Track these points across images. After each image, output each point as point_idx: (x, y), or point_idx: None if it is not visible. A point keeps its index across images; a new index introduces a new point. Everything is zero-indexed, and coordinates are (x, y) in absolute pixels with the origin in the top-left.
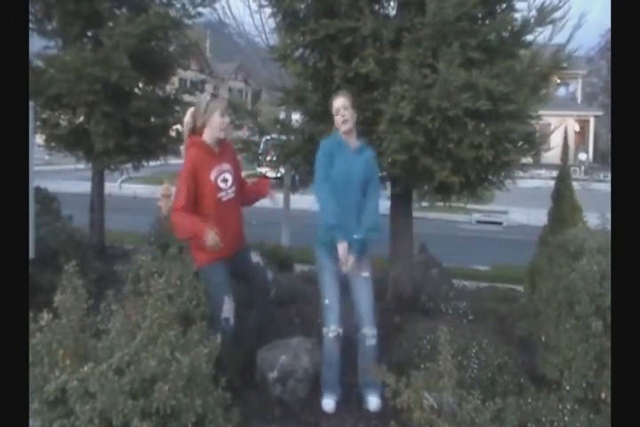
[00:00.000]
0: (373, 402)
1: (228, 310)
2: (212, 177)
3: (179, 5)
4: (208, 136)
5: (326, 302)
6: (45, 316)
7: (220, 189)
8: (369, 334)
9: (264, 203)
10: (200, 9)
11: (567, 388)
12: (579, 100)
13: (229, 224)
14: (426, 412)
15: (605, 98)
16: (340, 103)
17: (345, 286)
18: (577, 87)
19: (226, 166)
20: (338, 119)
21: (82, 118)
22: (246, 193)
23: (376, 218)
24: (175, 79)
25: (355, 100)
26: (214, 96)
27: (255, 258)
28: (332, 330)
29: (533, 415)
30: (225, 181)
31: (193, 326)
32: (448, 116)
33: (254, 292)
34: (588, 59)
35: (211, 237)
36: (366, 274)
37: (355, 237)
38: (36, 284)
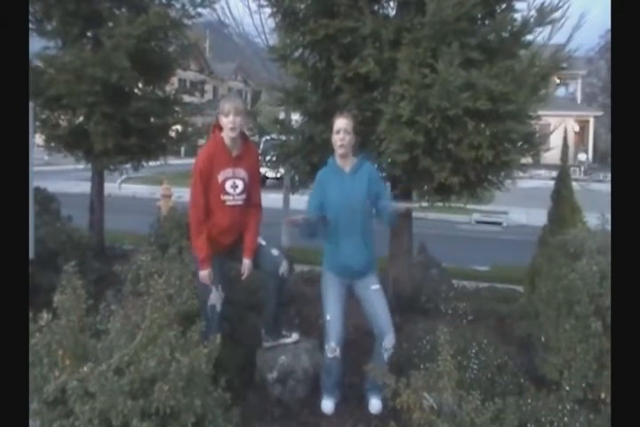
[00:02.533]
0: (376, 405)
1: (215, 298)
2: (220, 179)
3: (178, 6)
4: (225, 135)
5: (327, 317)
6: (45, 316)
7: (226, 193)
8: (389, 346)
9: (264, 203)
10: (200, 9)
11: (567, 388)
12: (578, 101)
13: (229, 231)
14: (425, 412)
15: (605, 98)
16: (343, 125)
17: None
18: (576, 87)
19: (240, 172)
20: (336, 140)
21: (81, 119)
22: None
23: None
24: (175, 79)
25: (354, 100)
26: (232, 95)
27: (260, 240)
28: (331, 348)
29: (533, 416)
30: (234, 186)
31: (192, 327)
32: (448, 116)
33: (268, 282)
34: (588, 59)
35: (204, 275)
36: (377, 286)
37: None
38: (35, 284)
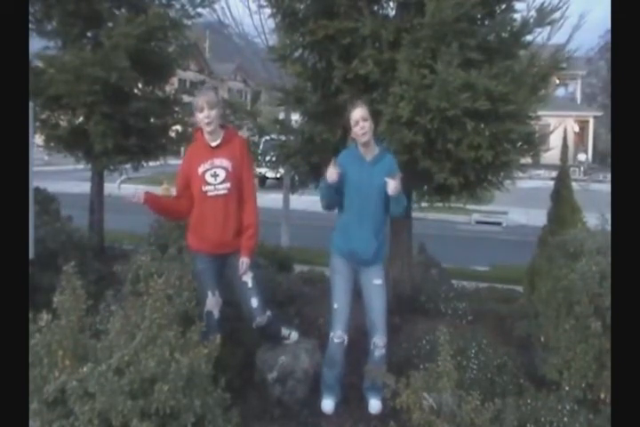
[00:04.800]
0: (376, 405)
1: (211, 304)
2: (200, 170)
3: (178, 6)
4: (204, 131)
5: (335, 306)
6: (45, 316)
7: (206, 183)
8: (380, 343)
9: (263, 203)
10: (199, 9)
11: (566, 388)
12: (578, 101)
13: (213, 223)
14: (425, 412)
15: (605, 98)
16: (360, 114)
17: (357, 292)
18: (576, 88)
19: (220, 162)
20: (357, 130)
21: (81, 119)
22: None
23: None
24: (174, 80)
25: (353, 101)
26: (206, 89)
27: (246, 279)
28: (337, 336)
29: (533, 416)
30: (215, 175)
31: (192, 327)
32: (447, 117)
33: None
34: (588, 59)
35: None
36: (379, 282)
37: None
38: (35, 284)
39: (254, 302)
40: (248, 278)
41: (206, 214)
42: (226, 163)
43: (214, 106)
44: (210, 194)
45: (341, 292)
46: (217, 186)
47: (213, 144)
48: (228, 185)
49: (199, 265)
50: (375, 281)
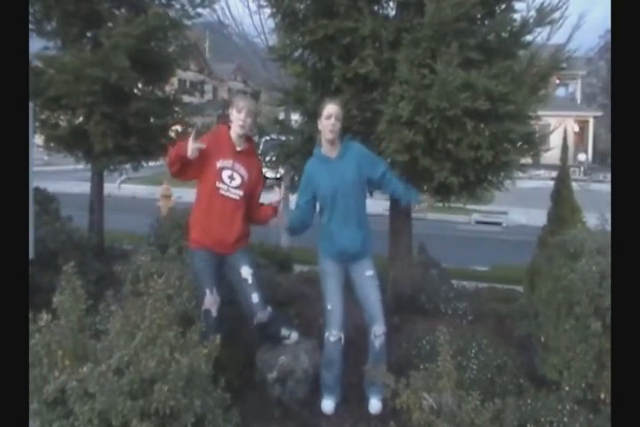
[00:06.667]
0: (376, 405)
1: (209, 302)
2: (218, 165)
3: (178, 6)
4: (232, 130)
5: (328, 307)
6: (44, 316)
7: (221, 180)
8: (379, 332)
9: (264, 202)
10: (199, 9)
11: (566, 388)
12: (578, 101)
13: (219, 219)
14: (425, 413)
15: (605, 98)
16: (335, 111)
17: (348, 288)
18: (576, 88)
19: (240, 169)
20: (326, 125)
21: (81, 119)
22: (257, 215)
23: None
24: (174, 80)
25: (353, 100)
26: (246, 94)
27: (246, 275)
28: (333, 334)
29: (533, 416)
30: (231, 178)
31: (192, 327)
32: (447, 117)
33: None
34: (588, 59)
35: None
36: (371, 273)
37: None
38: (35, 284)
39: (255, 298)
40: (248, 275)
41: (214, 210)
42: (243, 172)
43: (251, 115)
44: (222, 192)
45: (333, 292)
46: (230, 189)
47: (238, 149)
48: (240, 193)
49: (197, 263)
50: (367, 273)
